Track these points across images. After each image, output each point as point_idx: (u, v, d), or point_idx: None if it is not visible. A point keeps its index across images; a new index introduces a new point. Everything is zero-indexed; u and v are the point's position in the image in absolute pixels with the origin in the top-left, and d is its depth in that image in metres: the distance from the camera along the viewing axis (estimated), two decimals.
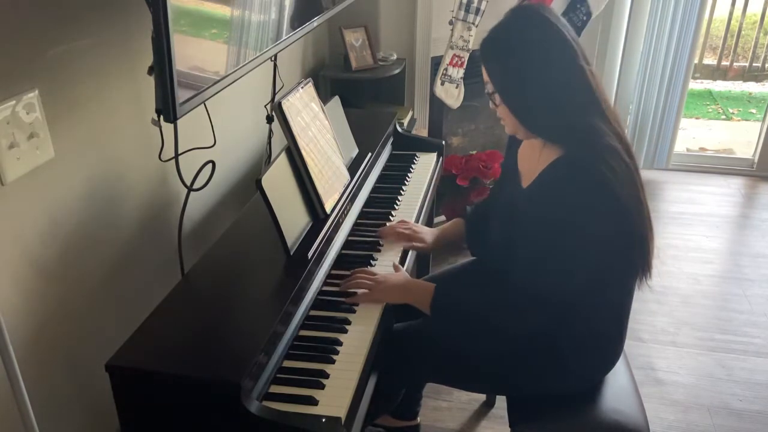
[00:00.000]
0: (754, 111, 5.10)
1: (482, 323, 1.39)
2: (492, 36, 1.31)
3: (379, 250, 1.63)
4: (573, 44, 1.27)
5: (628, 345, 1.47)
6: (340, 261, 1.56)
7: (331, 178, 1.63)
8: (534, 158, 1.37)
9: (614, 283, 1.36)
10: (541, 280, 1.29)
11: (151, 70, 1.14)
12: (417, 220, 1.80)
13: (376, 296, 1.42)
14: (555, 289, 1.29)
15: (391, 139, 2.22)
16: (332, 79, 2.78)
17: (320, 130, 1.67)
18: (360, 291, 1.43)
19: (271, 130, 2.02)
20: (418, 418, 1.95)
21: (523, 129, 1.34)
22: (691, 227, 3.20)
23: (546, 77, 1.26)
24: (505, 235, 1.44)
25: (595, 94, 1.29)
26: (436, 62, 2.87)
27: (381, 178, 2.01)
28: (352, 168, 1.81)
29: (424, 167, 2.11)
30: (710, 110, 5.13)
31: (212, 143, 1.54)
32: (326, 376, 1.21)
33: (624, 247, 1.30)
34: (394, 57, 2.89)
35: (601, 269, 1.30)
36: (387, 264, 1.57)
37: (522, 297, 1.31)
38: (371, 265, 1.56)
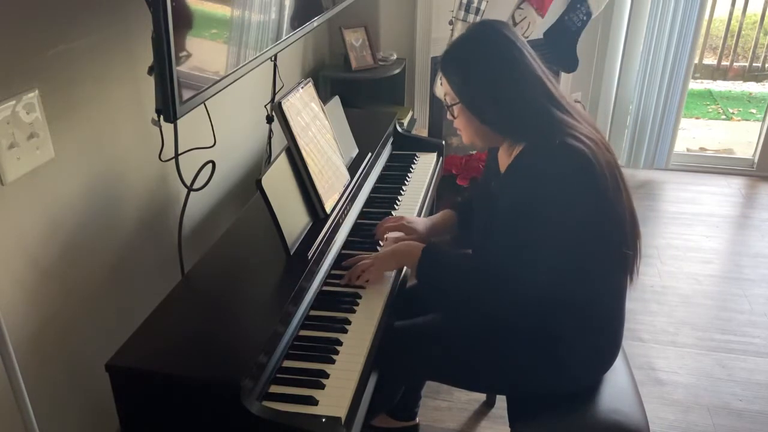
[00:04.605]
0: (754, 111, 5.10)
1: (460, 294, 1.45)
2: (449, 50, 1.42)
3: (379, 251, 1.63)
4: (528, 57, 1.36)
5: (629, 345, 1.47)
6: (340, 261, 1.56)
7: (331, 178, 1.63)
8: (507, 155, 1.44)
9: (598, 271, 1.37)
10: (514, 266, 1.32)
11: (151, 70, 1.14)
12: None
13: (373, 268, 1.50)
14: (529, 277, 1.31)
15: (391, 139, 2.22)
16: (332, 79, 2.78)
17: (320, 130, 1.67)
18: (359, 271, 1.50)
19: (271, 130, 2.02)
20: (417, 419, 1.95)
21: (480, 138, 1.44)
22: (691, 227, 3.20)
23: (502, 85, 1.35)
24: (485, 224, 1.48)
25: (558, 101, 1.36)
26: (436, 62, 2.87)
27: (381, 178, 2.01)
28: (352, 168, 1.81)
29: (424, 167, 2.11)
30: (710, 110, 5.12)
31: (212, 143, 1.54)
32: (326, 376, 1.21)
33: (600, 224, 1.31)
34: (394, 57, 2.90)
35: (577, 251, 1.31)
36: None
37: (494, 278, 1.35)
38: None
